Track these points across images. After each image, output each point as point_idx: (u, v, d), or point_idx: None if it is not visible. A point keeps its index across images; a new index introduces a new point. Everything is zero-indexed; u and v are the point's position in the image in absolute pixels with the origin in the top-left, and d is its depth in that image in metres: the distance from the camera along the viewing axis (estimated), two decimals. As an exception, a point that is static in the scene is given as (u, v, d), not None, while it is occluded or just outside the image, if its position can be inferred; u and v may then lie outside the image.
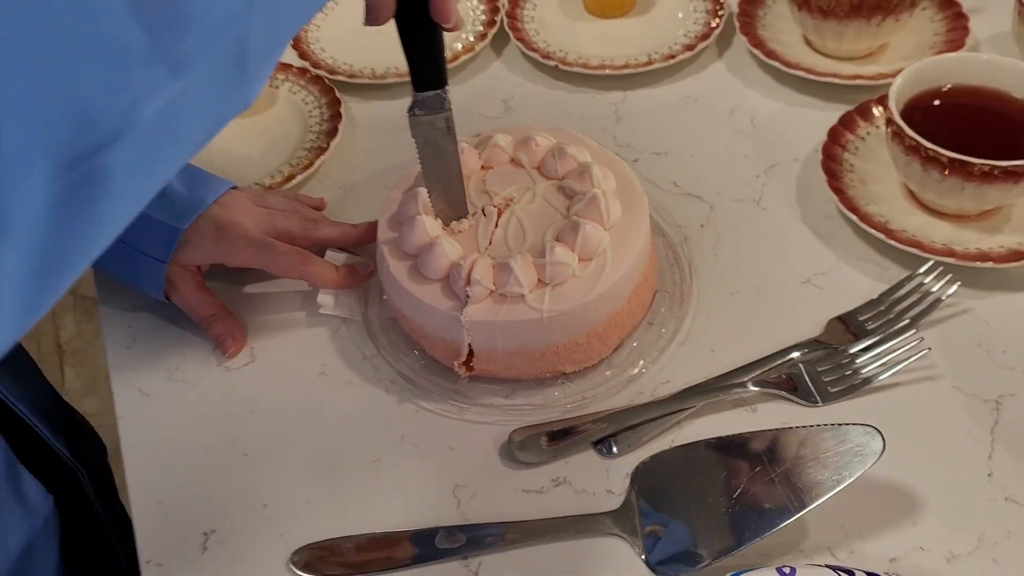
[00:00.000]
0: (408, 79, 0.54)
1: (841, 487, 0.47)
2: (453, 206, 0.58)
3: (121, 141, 0.30)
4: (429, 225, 0.57)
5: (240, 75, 0.34)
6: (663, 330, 0.60)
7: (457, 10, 0.51)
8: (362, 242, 0.65)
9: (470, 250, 0.57)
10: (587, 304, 0.54)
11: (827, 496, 0.47)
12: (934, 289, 0.58)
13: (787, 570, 0.45)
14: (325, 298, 0.62)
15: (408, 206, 0.59)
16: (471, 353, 0.56)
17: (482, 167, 0.62)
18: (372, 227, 0.62)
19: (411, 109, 0.54)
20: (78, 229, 0.31)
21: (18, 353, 0.71)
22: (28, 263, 0.29)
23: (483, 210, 0.59)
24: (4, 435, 0.60)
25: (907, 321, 0.57)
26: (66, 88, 0.28)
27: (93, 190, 0.30)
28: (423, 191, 0.58)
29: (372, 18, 0.51)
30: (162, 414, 0.59)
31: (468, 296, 0.54)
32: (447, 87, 0.54)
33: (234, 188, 0.64)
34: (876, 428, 0.48)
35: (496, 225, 0.58)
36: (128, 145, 0.30)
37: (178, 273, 0.61)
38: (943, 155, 0.57)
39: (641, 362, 0.58)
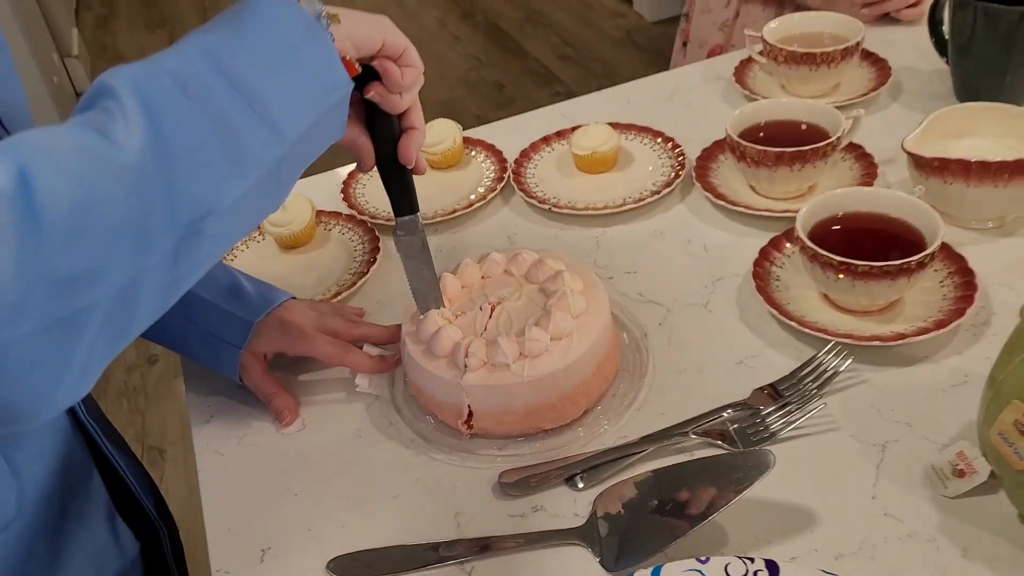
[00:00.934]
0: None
1: (744, 490, 0.61)
2: (430, 299, 0.77)
3: (212, 217, 0.50)
4: (438, 318, 0.75)
5: (277, 187, 0.55)
6: (624, 399, 0.76)
7: (420, 156, 0.71)
8: (391, 340, 0.83)
9: (468, 335, 0.74)
10: (557, 372, 0.71)
11: (735, 499, 0.61)
12: (834, 363, 0.74)
13: (703, 558, 0.59)
14: (361, 380, 0.79)
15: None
16: (471, 414, 0.73)
17: (482, 277, 0.81)
18: (398, 328, 0.81)
19: (395, 231, 0.74)
20: (185, 267, 0.51)
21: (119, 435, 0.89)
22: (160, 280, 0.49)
23: (480, 307, 0.77)
24: (106, 486, 0.77)
25: (814, 388, 0.73)
26: (187, 194, 0.49)
27: (196, 244, 0.50)
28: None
29: (361, 167, 0.72)
30: (233, 467, 0.76)
31: (466, 366, 0.72)
32: (419, 212, 0.74)
33: (293, 298, 0.83)
34: (770, 450, 0.63)
35: (490, 317, 0.76)
36: (216, 220, 0.50)
37: (249, 359, 0.80)
38: (834, 259, 0.75)
39: (606, 423, 0.74)
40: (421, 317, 0.76)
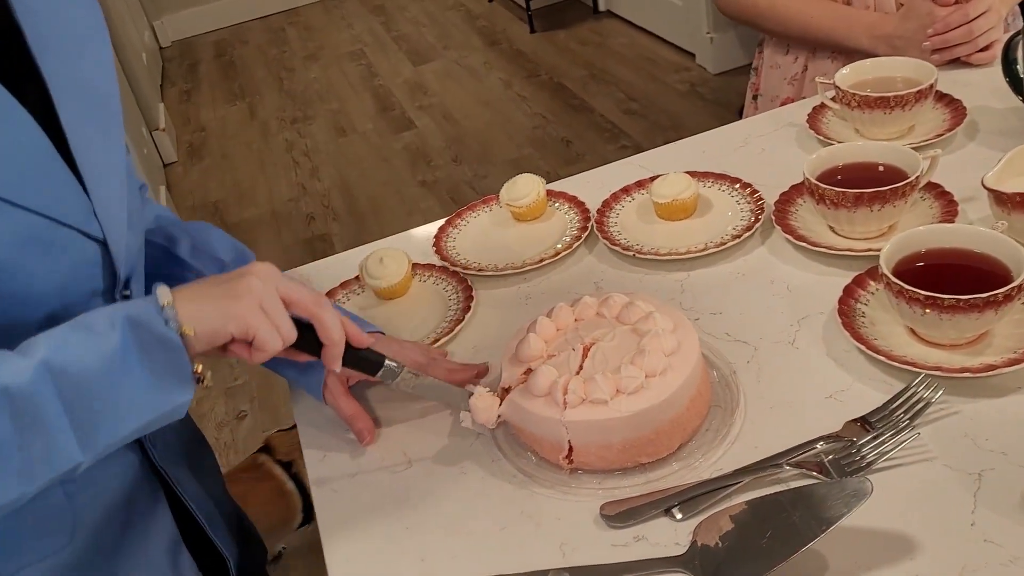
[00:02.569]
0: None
1: (841, 519, 0.63)
2: (457, 397, 0.83)
3: None
4: (537, 343, 0.81)
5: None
6: (717, 433, 0.78)
7: (357, 335, 0.77)
8: (466, 379, 0.87)
9: (564, 374, 0.78)
10: (653, 407, 0.74)
11: (832, 527, 0.63)
12: (926, 395, 0.76)
13: (806, 583, 0.61)
14: (465, 415, 0.83)
15: (524, 346, 0.82)
16: (571, 449, 0.76)
17: (575, 320, 0.85)
18: (475, 368, 0.88)
19: (385, 383, 0.80)
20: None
21: (207, 464, 0.95)
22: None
23: (572, 348, 0.81)
24: (175, 517, 0.82)
25: (906, 419, 0.75)
26: None
27: None
28: (532, 336, 0.81)
29: (331, 366, 0.76)
30: (346, 502, 0.80)
31: (566, 403, 0.75)
32: (384, 363, 0.79)
33: (381, 333, 0.90)
34: (867, 478, 0.65)
35: (584, 357, 0.80)
36: None
37: (333, 381, 0.86)
38: (920, 294, 0.77)
39: (700, 456, 0.77)
40: (520, 343, 0.82)
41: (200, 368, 0.68)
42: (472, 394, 0.82)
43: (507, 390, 0.81)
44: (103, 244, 0.69)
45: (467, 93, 3.97)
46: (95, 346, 0.61)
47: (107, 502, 0.74)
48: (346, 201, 3.35)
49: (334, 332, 0.73)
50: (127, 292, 0.72)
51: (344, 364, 0.76)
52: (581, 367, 0.79)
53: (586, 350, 0.81)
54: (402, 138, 3.71)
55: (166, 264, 0.89)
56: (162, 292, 0.66)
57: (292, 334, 0.71)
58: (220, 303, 0.68)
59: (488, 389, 0.82)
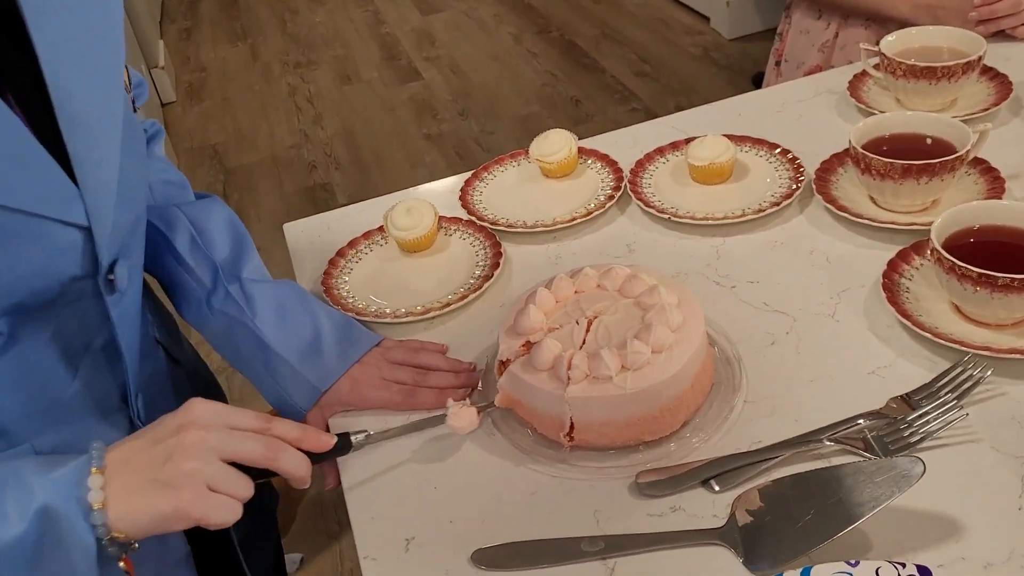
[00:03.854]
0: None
1: (891, 499, 0.61)
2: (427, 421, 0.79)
3: None
4: (537, 315, 0.78)
5: None
6: (720, 412, 0.76)
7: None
8: (466, 383, 0.83)
9: (567, 348, 0.75)
10: (660, 384, 0.72)
11: (882, 506, 0.61)
12: (974, 374, 0.74)
13: (853, 562, 0.60)
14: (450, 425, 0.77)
15: (523, 318, 0.79)
16: (572, 426, 0.74)
17: (575, 292, 0.82)
18: (461, 364, 0.84)
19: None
20: None
21: None
22: None
23: (576, 321, 0.78)
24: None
25: (952, 399, 0.73)
26: None
27: None
28: (532, 307, 0.79)
29: (302, 487, 0.69)
30: (372, 462, 0.78)
31: (569, 378, 0.73)
32: (352, 443, 0.73)
33: (377, 345, 0.84)
34: (919, 457, 0.63)
35: (587, 331, 0.77)
36: None
37: (313, 416, 0.81)
38: (972, 271, 0.75)
39: (700, 434, 0.75)
40: (519, 313, 0.79)
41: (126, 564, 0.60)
42: (447, 415, 0.76)
43: (505, 363, 0.78)
44: (86, 230, 0.63)
45: (475, 46, 3.90)
46: None
47: None
48: (349, 150, 3.30)
49: (299, 470, 0.66)
50: (111, 276, 0.66)
51: (314, 463, 0.69)
52: (584, 341, 0.76)
53: (589, 323, 0.78)
54: (408, 89, 3.65)
55: (162, 253, 0.84)
56: (93, 485, 0.57)
57: (249, 493, 0.63)
58: (158, 498, 0.58)
59: (462, 403, 0.77)
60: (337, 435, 0.72)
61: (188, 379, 0.92)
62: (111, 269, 0.66)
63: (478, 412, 0.77)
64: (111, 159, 0.65)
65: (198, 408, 0.63)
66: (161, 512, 0.59)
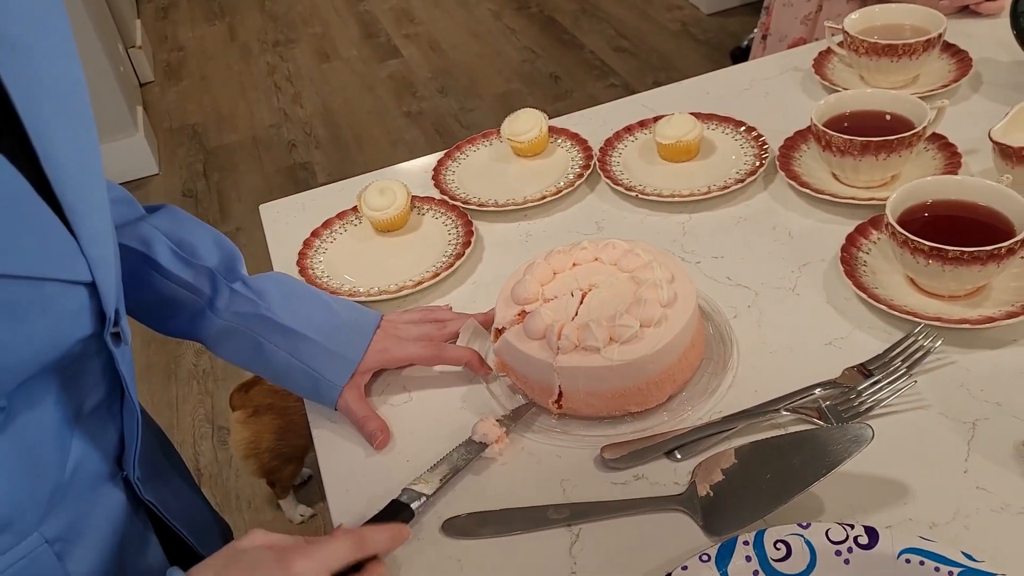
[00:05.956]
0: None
1: (842, 464, 0.64)
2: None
3: None
4: (533, 286, 0.80)
5: None
6: (707, 388, 0.79)
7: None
8: (483, 321, 0.86)
9: (560, 319, 0.78)
10: (646, 357, 0.74)
11: (832, 471, 0.64)
12: (924, 344, 0.77)
13: (804, 524, 0.63)
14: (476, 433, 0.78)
15: (520, 287, 0.81)
16: (561, 394, 0.77)
17: (573, 264, 0.84)
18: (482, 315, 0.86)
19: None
20: None
21: (181, 471, 0.88)
22: None
23: (571, 293, 0.81)
24: (159, 538, 0.76)
25: (904, 368, 0.76)
26: None
27: None
28: (529, 278, 0.81)
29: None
30: (344, 434, 0.80)
31: (559, 348, 0.75)
32: (413, 512, 0.71)
33: (381, 316, 0.85)
34: (868, 424, 0.66)
35: (581, 303, 0.79)
36: None
37: (349, 392, 0.81)
38: (925, 245, 0.77)
39: (689, 409, 0.77)
40: (517, 285, 0.81)
41: None
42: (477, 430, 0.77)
43: (501, 331, 0.80)
44: (90, 286, 0.57)
45: (455, 23, 3.89)
46: None
47: (99, 551, 0.67)
48: (329, 129, 3.30)
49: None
50: (116, 329, 0.61)
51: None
52: (577, 313, 0.79)
53: (584, 295, 0.80)
54: (387, 66, 3.64)
55: (144, 273, 0.79)
56: None
57: None
58: None
59: (492, 421, 0.77)
60: (398, 504, 0.71)
61: (147, 423, 0.86)
62: (116, 321, 0.61)
63: (506, 433, 0.77)
64: (101, 206, 0.59)
65: (300, 567, 0.60)
66: None
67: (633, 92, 1.27)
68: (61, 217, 0.54)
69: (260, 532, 0.63)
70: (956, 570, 0.58)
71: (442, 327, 0.86)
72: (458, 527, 0.71)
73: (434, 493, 0.72)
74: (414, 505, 0.71)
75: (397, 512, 0.70)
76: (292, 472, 1.81)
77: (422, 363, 0.84)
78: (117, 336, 0.62)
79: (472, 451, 0.75)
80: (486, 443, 0.75)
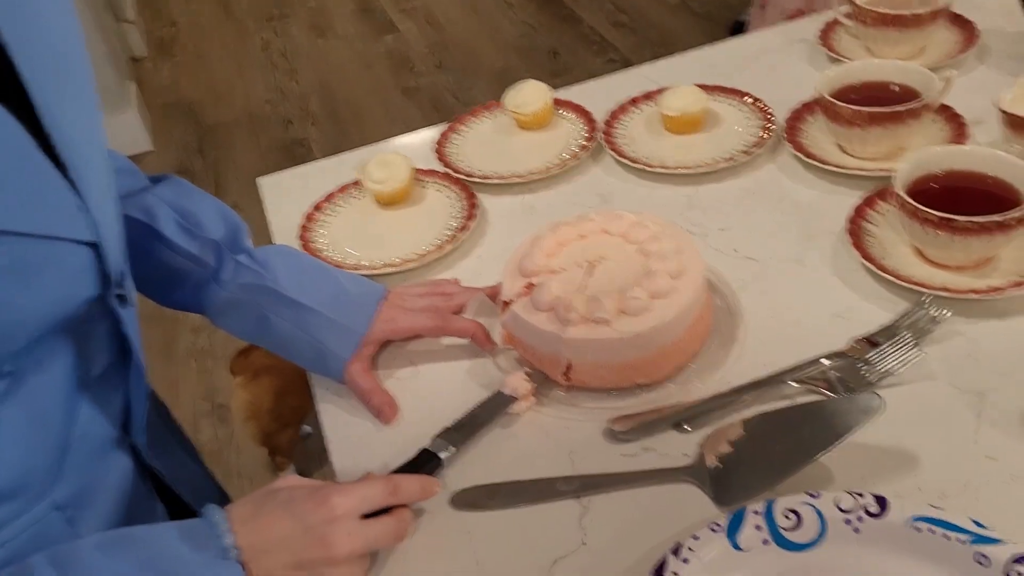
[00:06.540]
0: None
1: (851, 434, 0.64)
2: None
3: None
4: (540, 258, 0.79)
5: None
6: (714, 360, 0.78)
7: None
8: (490, 294, 0.86)
9: (568, 291, 0.77)
10: (655, 329, 0.74)
11: (842, 441, 0.64)
12: (933, 314, 0.76)
13: (815, 493, 0.63)
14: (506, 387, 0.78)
15: (527, 260, 0.81)
16: (569, 366, 0.76)
17: (580, 236, 0.84)
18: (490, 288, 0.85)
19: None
20: None
21: (184, 443, 0.89)
22: None
23: (579, 265, 0.80)
24: (164, 503, 0.77)
25: (912, 339, 0.75)
26: None
27: None
28: (536, 250, 0.80)
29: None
30: (350, 407, 0.80)
31: (568, 320, 0.75)
32: (441, 462, 0.72)
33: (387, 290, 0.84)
34: (877, 394, 0.66)
35: (589, 275, 0.79)
36: None
37: (355, 364, 0.80)
38: (934, 215, 0.77)
39: (698, 382, 0.76)
40: (524, 256, 0.81)
41: None
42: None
43: (507, 304, 0.80)
44: (94, 246, 0.57)
45: (452, -3, 3.86)
46: None
47: (108, 517, 0.67)
48: (325, 105, 3.28)
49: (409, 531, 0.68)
50: (121, 291, 0.62)
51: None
52: (586, 287, 0.78)
53: (592, 267, 0.80)
54: (384, 42, 3.61)
55: (148, 244, 0.78)
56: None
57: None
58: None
59: (522, 374, 0.78)
60: (427, 453, 0.72)
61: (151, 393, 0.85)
62: (120, 283, 0.62)
63: (535, 389, 0.77)
64: (103, 167, 0.60)
65: (339, 507, 0.62)
66: None
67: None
68: (64, 177, 0.54)
69: (294, 476, 0.65)
70: (966, 537, 0.58)
71: (449, 300, 0.86)
72: (467, 499, 0.70)
73: (463, 444, 0.73)
74: (443, 455, 0.72)
75: (426, 460, 0.72)
76: (291, 437, 1.81)
77: (428, 334, 0.84)
78: (123, 298, 0.62)
79: (501, 404, 0.76)
80: (516, 396, 0.76)
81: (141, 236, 0.77)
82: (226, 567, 0.57)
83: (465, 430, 0.74)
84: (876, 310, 0.80)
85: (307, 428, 1.95)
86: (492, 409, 0.76)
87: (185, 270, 0.79)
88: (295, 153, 3.01)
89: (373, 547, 0.64)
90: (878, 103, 0.92)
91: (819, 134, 1.00)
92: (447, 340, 0.85)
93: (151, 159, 3.15)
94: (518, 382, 0.76)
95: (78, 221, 0.55)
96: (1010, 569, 0.56)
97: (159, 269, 0.79)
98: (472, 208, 0.98)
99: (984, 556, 0.57)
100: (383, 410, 0.79)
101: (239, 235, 0.82)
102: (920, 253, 0.83)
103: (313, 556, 0.60)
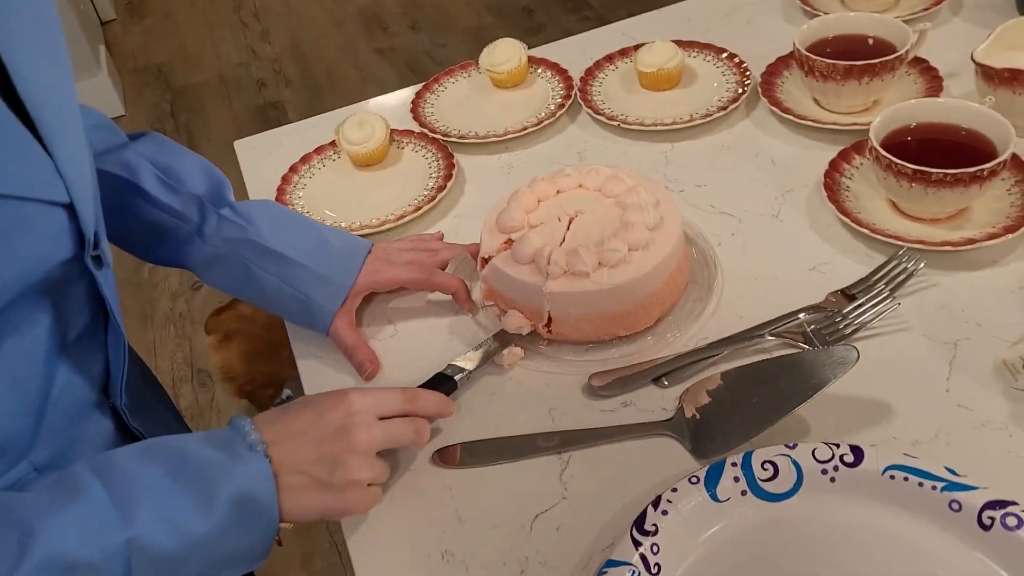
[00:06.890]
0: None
1: (828, 386, 0.65)
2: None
3: None
4: (519, 214, 0.79)
5: None
6: (693, 310, 0.79)
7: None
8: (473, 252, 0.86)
9: (547, 244, 0.77)
10: (634, 280, 0.74)
11: (818, 392, 0.65)
12: (907, 267, 0.77)
13: (791, 444, 0.64)
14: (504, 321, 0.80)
15: (505, 215, 0.81)
16: (550, 319, 0.77)
17: (557, 192, 0.84)
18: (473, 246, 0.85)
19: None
20: None
21: (167, 403, 0.89)
22: None
23: (558, 219, 0.80)
24: None
25: (887, 291, 0.76)
26: None
27: None
28: (514, 206, 0.80)
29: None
30: (330, 369, 0.80)
31: (548, 273, 0.75)
32: (456, 385, 0.75)
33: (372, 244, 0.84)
34: (853, 346, 0.66)
35: (567, 229, 0.79)
36: None
37: (340, 319, 0.80)
38: (908, 168, 0.77)
39: (677, 331, 0.77)
40: (502, 212, 0.81)
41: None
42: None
43: (487, 260, 0.80)
44: (68, 207, 0.57)
45: (424, -45, 3.80)
46: (190, 525, 0.56)
47: None
48: (299, 67, 3.23)
49: (426, 441, 0.70)
50: (96, 252, 0.61)
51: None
52: (564, 239, 0.78)
53: (570, 221, 0.80)
54: (356, 1, 3.56)
55: (129, 200, 0.77)
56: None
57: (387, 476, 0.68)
58: (325, 500, 0.62)
59: (519, 314, 0.78)
60: (442, 376, 0.75)
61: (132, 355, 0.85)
62: (95, 244, 0.61)
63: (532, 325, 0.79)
64: (75, 127, 0.59)
65: (357, 403, 0.64)
66: (327, 510, 0.62)
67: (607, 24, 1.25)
68: (36, 138, 0.54)
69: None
70: (939, 484, 0.59)
71: (433, 255, 0.86)
72: (449, 456, 0.71)
73: (475, 369, 0.76)
74: (457, 377, 0.75)
75: (441, 383, 0.75)
76: (271, 395, 1.81)
77: (411, 287, 0.84)
78: (98, 259, 0.61)
79: (506, 341, 0.78)
80: (521, 333, 0.78)
81: (123, 192, 0.77)
82: (253, 459, 0.59)
83: (478, 356, 0.77)
84: (852, 264, 0.81)
85: (288, 391, 1.96)
86: (499, 345, 0.78)
87: (168, 226, 0.78)
88: (269, 116, 2.98)
89: (392, 443, 0.66)
90: (853, 56, 0.91)
91: (795, 89, 1.00)
92: (430, 295, 0.85)
93: (122, 123, 3.10)
94: (521, 321, 0.77)
95: (51, 182, 0.55)
96: (982, 515, 0.57)
97: (142, 225, 0.79)
98: (450, 168, 0.98)
99: (957, 502, 0.58)
100: (365, 366, 0.79)
101: (222, 189, 0.81)
102: (895, 206, 0.84)
103: (335, 448, 0.62)
